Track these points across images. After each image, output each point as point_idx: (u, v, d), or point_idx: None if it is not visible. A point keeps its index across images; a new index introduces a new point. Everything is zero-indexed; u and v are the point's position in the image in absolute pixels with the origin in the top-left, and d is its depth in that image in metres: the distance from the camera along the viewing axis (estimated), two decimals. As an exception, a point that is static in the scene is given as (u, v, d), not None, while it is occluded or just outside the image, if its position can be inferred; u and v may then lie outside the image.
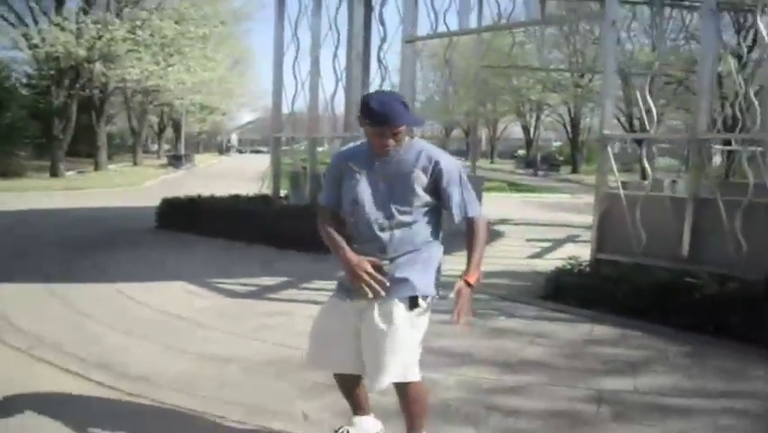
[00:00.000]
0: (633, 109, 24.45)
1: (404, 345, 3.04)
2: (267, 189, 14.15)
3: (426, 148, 3.13)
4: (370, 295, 3.01)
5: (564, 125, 49.12)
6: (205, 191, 12.90)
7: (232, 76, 41.20)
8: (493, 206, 15.25)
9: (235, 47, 40.38)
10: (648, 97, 7.60)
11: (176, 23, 26.11)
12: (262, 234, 10.35)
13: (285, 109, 12.28)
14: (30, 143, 33.52)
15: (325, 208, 3.26)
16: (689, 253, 6.75)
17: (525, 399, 4.27)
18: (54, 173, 27.10)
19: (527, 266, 9.20)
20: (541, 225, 14.45)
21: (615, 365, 5.00)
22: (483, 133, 62.20)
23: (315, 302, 4.88)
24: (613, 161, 7.56)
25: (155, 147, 60.40)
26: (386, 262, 3.05)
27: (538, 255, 10.42)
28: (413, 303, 3.05)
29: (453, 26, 9.46)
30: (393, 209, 3.06)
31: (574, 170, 43.40)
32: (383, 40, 10.61)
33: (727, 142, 14.55)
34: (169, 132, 58.86)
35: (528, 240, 11.98)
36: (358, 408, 3.47)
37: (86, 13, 25.62)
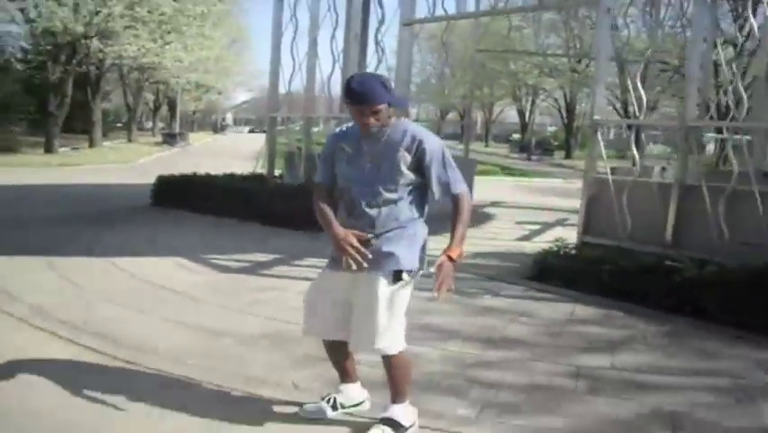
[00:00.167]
0: (627, 96, 24.53)
1: (387, 315, 3.21)
2: (261, 169, 14.24)
3: (411, 128, 3.29)
4: (354, 267, 3.18)
5: (560, 110, 49.24)
6: (200, 169, 12.98)
7: (228, 55, 41.20)
8: (485, 189, 15.41)
9: (233, 26, 40.30)
10: (639, 84, 7.73)
11: (174, 0, 26.04)
12: (256, 212, 10.48)
13: (282, 89, 12.38)
14: (24, 119, 33.53)
15: (320, 186, 3.43)
16: (672, 239, 6.92)
17: (505, 373, 4.43)
18: (49, 149, 27.14)
19: (516, 248, 9.38)
20: (531, 209, 14.59)
21: (595, 344, 5.17)
22: (479, 117, 62.28)
23: (307, 279, 5.03)
24: (602, 147, 7.71)
25: (150, 125, 60.35)
26: (372, 236, 3.22)
27: (527, 238, 10.58)
28: (397, 276, 3.22)
29: (451, 10, 9.56)
30: (380, 187, 3.23)
31: (568, 156, 43.58)
32: (381, 22, 10.70)
33: (720, 131, 14.69)
34: (164, 110, 58.76)
35: (518, 223, 12.15)
36: (345, 376, 3.64)
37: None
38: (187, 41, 28.56)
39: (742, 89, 7.15)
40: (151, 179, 12.71)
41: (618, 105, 29.77)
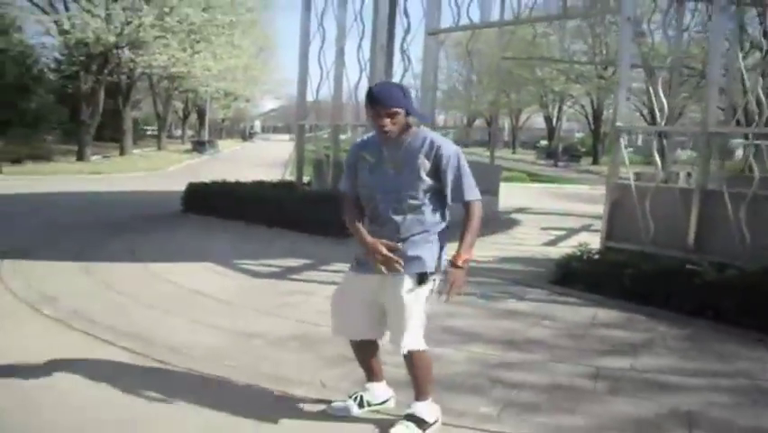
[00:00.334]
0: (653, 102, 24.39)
1: (411, 314, 3.38)
2: (290, 176, 14.45)
3: (430, 135, 3.44)
4: (385, 271, 3.36)
5: (586, 117, 49.01)
6: (229, 177, 13.20)
7: (256, 63, 41.60)
8: (512, 195, 15.50)
9: (260, 34, 40.69)
10: (660, 91, 7.79)
11: (203, 9, 26.41)
12: (285, 218, 10.64)
13: (309, 97, 12.57)
14: (57, 128, 34.17)
15: (346, 195, 3.61)
16: (694, 243, 6.98)
17: (527, 373, 4.56)
18: (81, 157, 27.63)
19: (541, 253, 9.45)
20: (557, 215, 14.64)
21: (616, 346, 5.26)
22: (506, 124, 62.19)
23: (334, 283, 5.13)
24: (625, 153, 7.78)
25: (179, 132, 61.07)
26: (399, 243, 3.39)
27: (552, 243, 10.65)
28: (422, 278, 3.39)
29: (476, 18, 9.67)
30: (403, 194, 3.39)
31: (595, 162, 43.27)
32: (407, 31, 10.85)
33: (747, 136, 14.62)
34: (193, 118, 59.50)
35: (544, 228, 12.21)
36: (372, 375, 3.80)
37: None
38: (215, 50, 28.98)
39: (762, 94, 7.17)
40: (181, 187, 12.93)
41: (646, 112, 29.63)
